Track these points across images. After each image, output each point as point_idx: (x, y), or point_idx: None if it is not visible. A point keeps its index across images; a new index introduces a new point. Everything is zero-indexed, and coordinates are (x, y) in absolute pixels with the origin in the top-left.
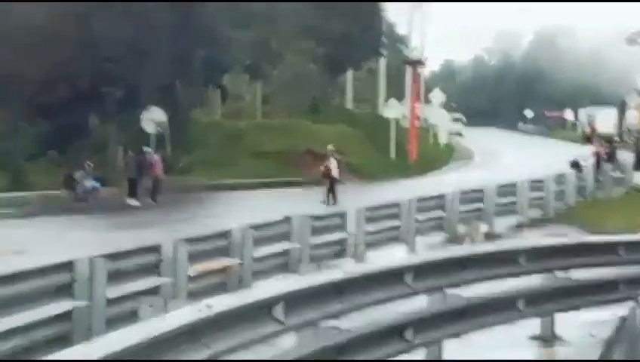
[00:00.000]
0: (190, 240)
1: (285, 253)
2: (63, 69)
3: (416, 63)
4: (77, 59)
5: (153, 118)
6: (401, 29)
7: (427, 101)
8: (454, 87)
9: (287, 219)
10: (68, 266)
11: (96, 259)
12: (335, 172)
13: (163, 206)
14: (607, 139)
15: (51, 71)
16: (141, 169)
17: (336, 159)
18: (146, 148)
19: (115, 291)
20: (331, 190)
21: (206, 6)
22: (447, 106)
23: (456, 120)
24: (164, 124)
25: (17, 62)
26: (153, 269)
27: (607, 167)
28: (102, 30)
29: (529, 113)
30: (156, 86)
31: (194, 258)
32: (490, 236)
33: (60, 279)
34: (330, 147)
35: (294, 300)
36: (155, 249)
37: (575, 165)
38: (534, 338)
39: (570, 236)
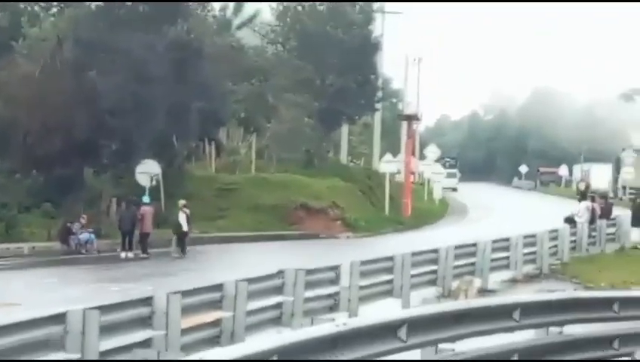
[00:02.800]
0: (183, 293)
1: (278, 306)
2: (59, 121)
3: (412, 118)
4: (73, 111)
5: (148, 171)
6: (397, 84)
7: (422, 156)
8: (450, 142)
9: (280, 273)
10: (60, 318)
11: (90, 311)
12: (185, 226)
13: (156, 258)
14: (602, 195)
15: (48, 122)
16: (135, 221)
17: (185, 214)
18: (144, 199)
19: (108, 343)
20: (180, 243)
21: (203, 59)
22: (442, 161)
23: (450, 175)
24: (158, 176)
25: (14, 113)
26: (146, 322)
27: (601, 222)
28: (99, 82)
29: (524, 169)
30: (152, 139)
31: (187, 310)
32: (484, 291)
33: (51, 331)
34: (181, 202)
35: (287, 354)
36: (147, 301)
37: (569, 221)
38: None
39: (565, 291)
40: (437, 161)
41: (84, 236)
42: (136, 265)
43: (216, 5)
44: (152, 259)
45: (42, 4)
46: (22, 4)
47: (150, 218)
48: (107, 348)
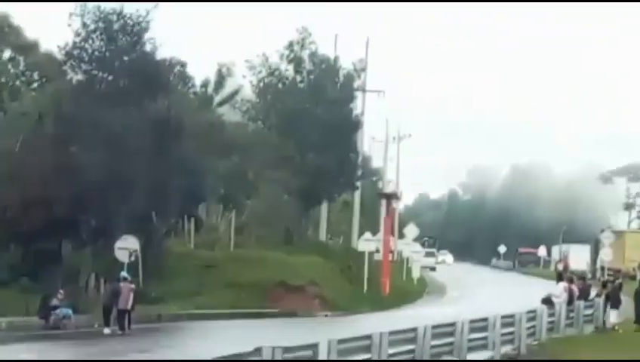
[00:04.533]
0: None
1: None
2: (38, 195)
3: (391, 197)
4: (53, 186)
5: (127, 247)
6: (376, 162)
7: (401, 235)
8: (428, 221)
9: (258, 351)
10: None
11: None
12: (126, 303)
13: (133, 335)
14: (580, 276)
15: (27, 196)
16: (116, 297)
17: (130, 289)
18: (123, 274)
19: None
20: (121, 318)
21: (183, 135)
22: (421, 240)
23: (429, 254)
24: (137, 252)
25: None
26: None
27: (579, 303)
28: (79, 158)
29: (502, 249)
30: (131, 215)
31: None
32: None
33: None
34: (122, 274)
35: None
36: None
37: (547, 301)
38: None
39: None
40: (415, 240)
41: (62, 311)
42: (115, 341)
43: (198, 82)
44: (132, 336)
45: (23, 78)
46: (2, 79)
47: (128, 294)
48: None
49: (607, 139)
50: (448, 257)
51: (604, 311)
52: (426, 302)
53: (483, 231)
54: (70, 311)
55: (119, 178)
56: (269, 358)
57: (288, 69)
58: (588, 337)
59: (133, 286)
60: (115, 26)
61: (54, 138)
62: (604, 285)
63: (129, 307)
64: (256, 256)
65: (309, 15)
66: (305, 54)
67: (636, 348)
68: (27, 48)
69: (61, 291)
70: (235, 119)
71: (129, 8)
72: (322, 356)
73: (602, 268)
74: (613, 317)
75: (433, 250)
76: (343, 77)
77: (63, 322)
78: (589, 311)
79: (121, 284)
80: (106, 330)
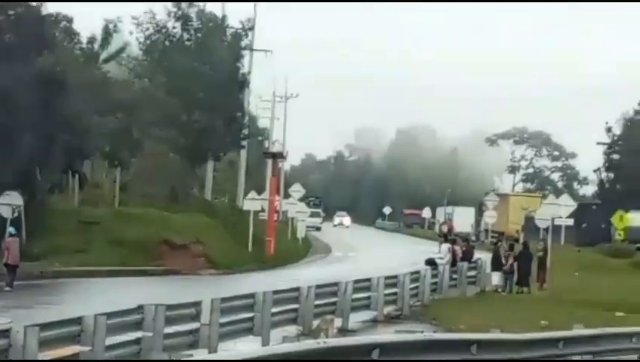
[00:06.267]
0: (42, 326)
1: (137, 341)
2: None
3: (277, 156)
4: None
5: (10, 202)
6: (263, 122)
7: (287, 195)
8: (315, 181)
9: (140, 308)
10: None
11: None
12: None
13: (15, 291)
14: (464, 238)
15: None
16: (6, 252)
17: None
18: (11, 230)
19: None
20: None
21: (69, 92)
22: (307, 200)
23: (314, 214)
24: (20, 208)
25: None
26: (2, 354)
27: (463, 265)
28: None
29: (387, 210)
30: (14, 170)
31: (45, 344)
32: (344, 331)
33: None
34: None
35: None
36: (4, 334)
37: (431, 263)
38: None
39: (424, 333)
40: (301, 200)
41: None
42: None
43: (84, 38)
44: (14, 292)
45: None
46: None
47: (16, 249)
48: None
49: (493, 102)
50: (346, 219)
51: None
52: (311, 261)
53: (368, 192)
54: None
55: (2, 132)
56: (152, 316)
57: (176, 27)
58: (471, 298)
59: (18, 241)
60: None
61: None
62: (510, 248)
63: (18, 262)
64: (140, 214)
65: None
66: (192, 12)
67: (516, 307)
68: None
69: None
70: (121, 77)
71: None
72: (205, 314)
73: (486, 231)
74: (495, 278)
75: (319, 210)
76: (230, 36)
77: None
78: (473, 273)
79: (10, 239)
80: None
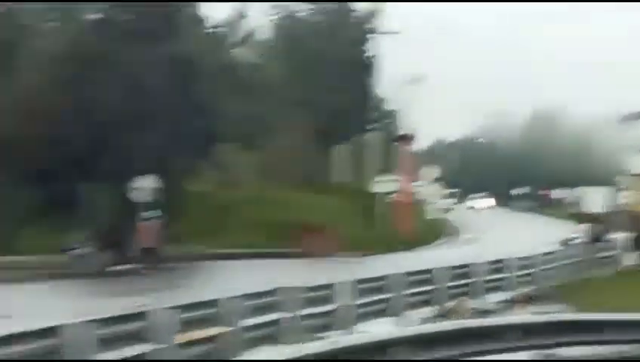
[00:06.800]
0: (179, 308)
1: (275, 322)
2: (56, 135)
3: (407, 138)
4: (71, 125)
5: (145, 187)
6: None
7: (419, 176)
8: (446, 163)
9: (277, 290)
10: (55, 331)
11: (85, 324)
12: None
13: (153, 274)
14: (599, 219)
15: (45, 137)
16: (135, 235)
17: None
18: (147, 213)
19: (103, 357)
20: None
21: (200, 74)
22: (438, 181)
23: (447, 195)
24: (156, 192)
25: (11, 127)
26: (142, 336)
27: (598, 246)
28: (96, 96)
29: (521, 190)
30: (149, 153)
31: (183, 325)
32: (478, 312)
33: (46, 344)
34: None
35: None
36: (143, 315)
37: (566, 243)
38: None
39: (559, 314)
40: (434, 181)
41: (83, 250)
42: (137, 280)
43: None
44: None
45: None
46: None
47: (155, 232)
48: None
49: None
50: (489, 201)
51: None
52: (444, 243)
53: (500, 173)
54: (93, 250)
55: (137, 118)
56: (289, 298)
57: (304, 10)
58: (607, 279)
59: (157, 224)
60: None
61: (72, 77)
62: None
63: (155, 245)
64: (274, 197)
65: None
66: None
67: None
68: None
69: (84, 232)
70: (251, 61)
71: None
72: (341, 296)
73: (621, 211)
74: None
75: (454, 191)
76: (357, 18)
77: (87, 259)
78: (609, 253)
79: (145, 223)
80: (123, 267)
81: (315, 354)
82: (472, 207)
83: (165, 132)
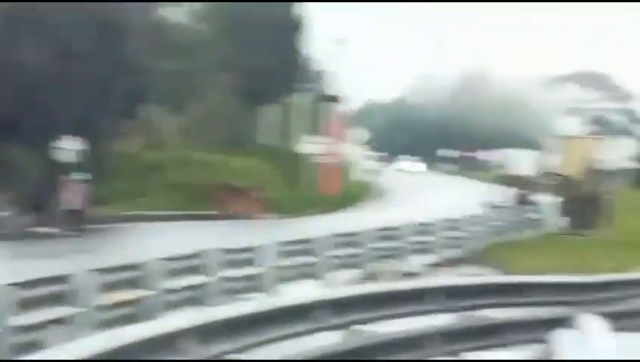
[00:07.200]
0: (102, 271)
1: (198, 286)
2: None
3: (336, 100)
4: None
5: (70, 148)
6: (321, 65)
7: (347, 139)
8: (374, 125)
9: (200, 252)
10: None
11: (4, 287)
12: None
13: (80, 237)
14: (527, 182)
15: None
16: (60, 197)
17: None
18: (74, 175)
19: (23, 320)
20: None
21: (127, 36)
22: (366, 144)
23: (375, 158)
24: (80, 153)
25: None
26: (63, 298)
27: (525, 209)
28: (21, 57)
29: (447, 153)
30: (74, 115)
31: (105, 288)
32: (405, 274)
33: None
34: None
35: (205, 333)
36: (65, 278)
37: (492, 206)
38: None
39: (485, 276)
40: (363, 144)
41: (4, 212)
42: (59, 241)
43: None
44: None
45: None
46: None
47: (79, 194)
48: (22, 324)
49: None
50: (418, 164)
51: None
52: (371, 205)
53: (428, 135)
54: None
55: (63, 79)
56: (212, 260)
57: None
58: (533, 241)
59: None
60: None
61: None
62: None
63: (80, 207)
64: (199, 159)
65: None
66: None
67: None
68: None
69: (6, 194)
70: (178, 20)
71: None
72: (265, 258)
73: (548, 174)
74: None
75: (385, 153)
76: None
77: (8, 221)
78: (536, 216)
79: (69, 184)
80: (46, 229)
81: (237, 317)
82: (401, 170)
83: (91, 93)
